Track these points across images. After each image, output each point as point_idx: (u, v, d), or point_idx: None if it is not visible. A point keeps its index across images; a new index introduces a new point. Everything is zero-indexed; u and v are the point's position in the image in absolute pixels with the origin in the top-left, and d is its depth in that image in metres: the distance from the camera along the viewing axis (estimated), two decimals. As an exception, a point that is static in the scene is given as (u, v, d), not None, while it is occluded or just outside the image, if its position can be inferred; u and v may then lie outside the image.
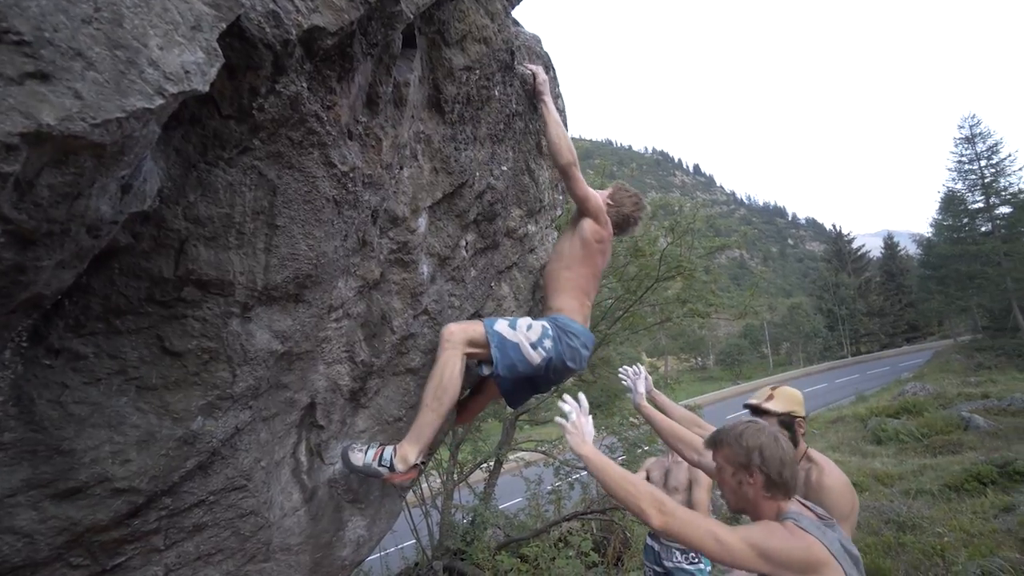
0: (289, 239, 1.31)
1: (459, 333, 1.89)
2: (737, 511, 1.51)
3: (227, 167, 1.15)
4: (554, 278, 2.22)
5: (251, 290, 1.29)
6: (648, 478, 3.52)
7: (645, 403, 2.39)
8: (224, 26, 0.91)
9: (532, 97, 2.22)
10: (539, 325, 2.00)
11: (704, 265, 7.27)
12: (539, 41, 2.37)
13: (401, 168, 1.64)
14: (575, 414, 1.68)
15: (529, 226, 2.49)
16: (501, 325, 1.97)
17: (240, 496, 1.52)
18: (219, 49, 0.90)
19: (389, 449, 1.79)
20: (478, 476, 7.63)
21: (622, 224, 2.39)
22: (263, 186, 1.22)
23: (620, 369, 2.68)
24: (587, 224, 2.18)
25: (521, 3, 2.09)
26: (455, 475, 6.84)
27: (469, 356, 1.93)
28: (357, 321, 1.69)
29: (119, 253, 1.09)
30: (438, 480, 7.12)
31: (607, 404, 8.32)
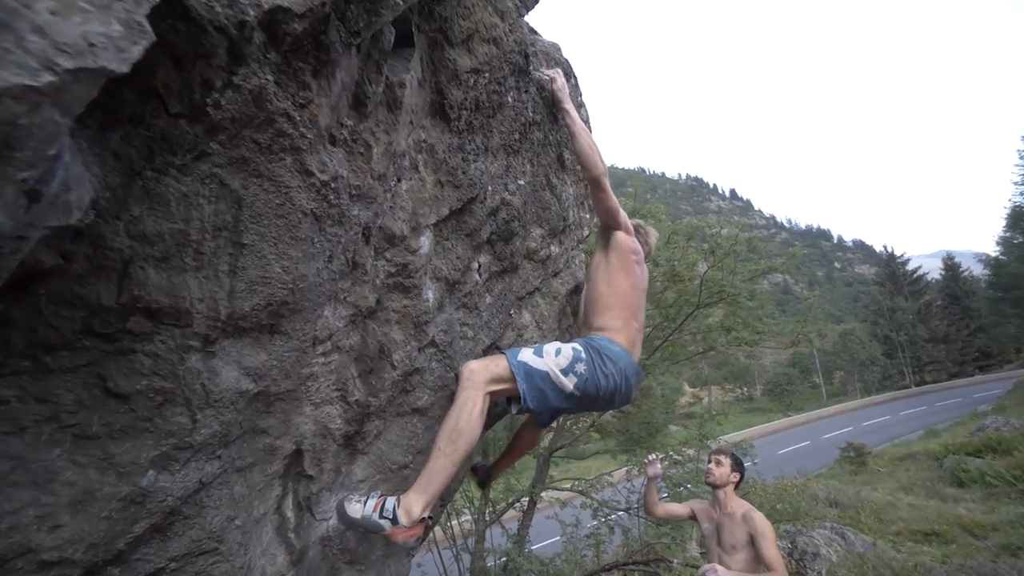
0: (259, 260, 1.12)
1: (480, 371, 1.67)
2: None
3: (180, 175, 0.98)
4: (592, 299, 2.05)
5: (213, 320, 1.10)
6: (694, 518, 3.15)
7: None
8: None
9: (551, 106, 2.02)
10: (569, 348, 1.78)
11: (749, 290, 6.79)
12: (558, 48, 2.19)
13: (399, 180, 1.45)
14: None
15: (552, 247, 2.26)
16: (526, 354, 1.75)
17: (210, 561, 1.30)
18: (146, 25, 0.73)
19: (392, 500, 1.55)
20: (512, 514, 7.22)
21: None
22: (225, 198, 1.04)
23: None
24: (620, 236, 2.03)
25: (537, 5, 1.92)
26: (487, 515, 6.47)
27: (494, 395, 1.70)
28: (350, 355, 1.48)
29: (46, 277, 0.92)
30: (469, 518, 6.77)
31: (647, 439, 7.79)
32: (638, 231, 2.20)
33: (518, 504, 6.72)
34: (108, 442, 1.05)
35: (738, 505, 2.89)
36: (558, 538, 6.52)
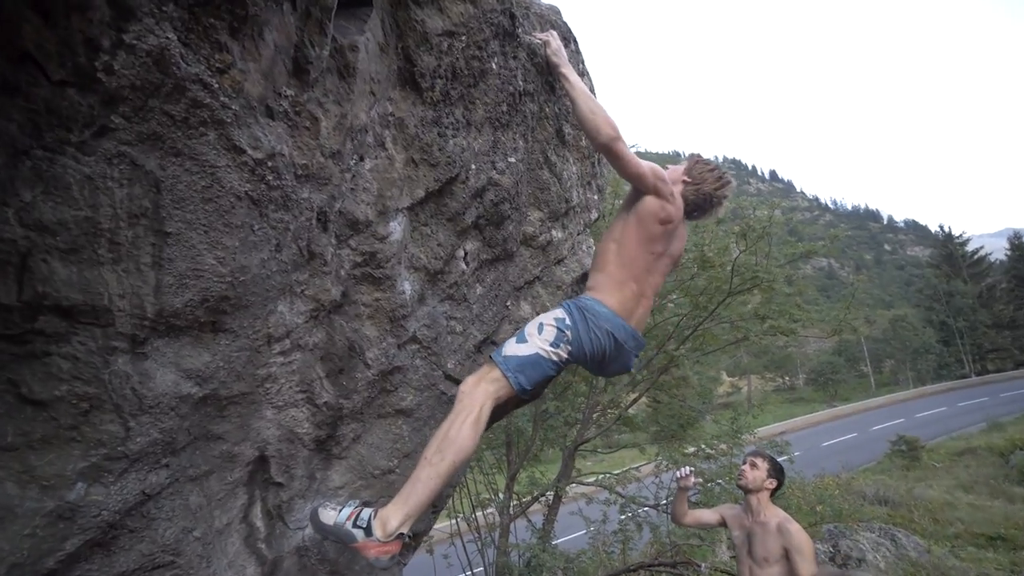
0: (188, 250, 0.99)
1: (474, 386, 1.56)
2: None
3: (80, 154, 0.86)
4: (598, 253, 1.90)
5: (139, 318, 0.98)
6: (724, 524, 2.93)
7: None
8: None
9: (547, 74, 1.83)
10: (551, 320, 1.69)
11: (786, 276, 6.36)
12: (557, 12, 1.99)
13: (360, 159, 1.30)
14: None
15: (554, 232, 2.08)
16: (510, 347, 1.63)
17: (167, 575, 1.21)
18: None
19: (369, 511, 1.42)
20: (537, 507, 7.11)
21: (702, 205, 1.98)
22: (141, 180, 0.92)
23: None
24: (648, 201, 1.80)
25: (526, -39, 1.73)
26: (511, 508, 6.38)
27: (497, 399, 1.58)
28: (314, 354, 1.35)
29: (-69, 274, 0.82)
30: (494, 511, 6.70)
31: (679, 432, 7.51)
32: (693, 175, 1.95)
33: (543, 498, 6.60)
34: (28, 453, 0.95)
35: (773, 513, 2.62)
36: (584, 532, 6.36)
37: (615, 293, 1.76)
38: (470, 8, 1.44)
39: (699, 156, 2.09)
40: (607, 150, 1.76)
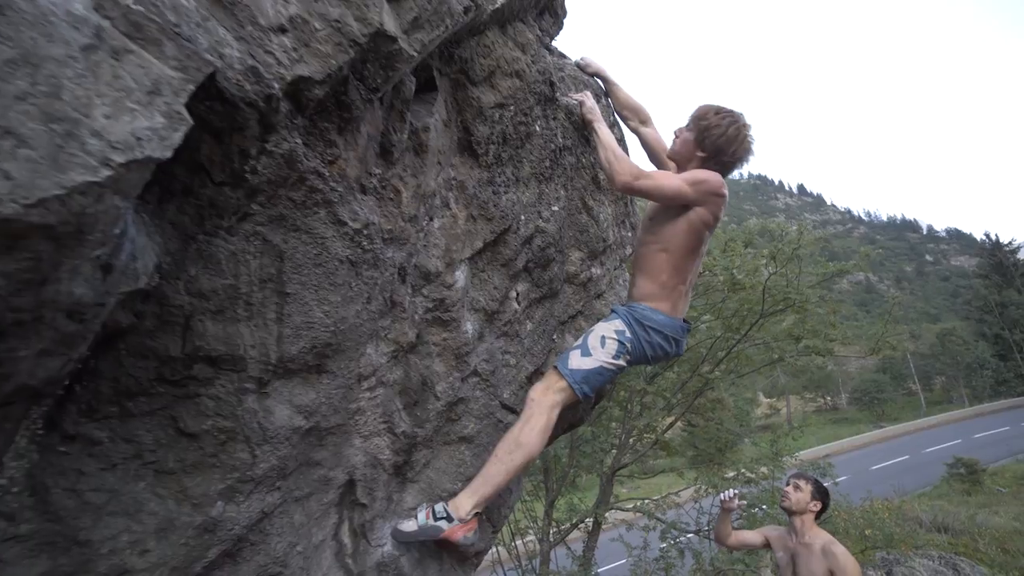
0: (302, 307, 1.21)
1: (541, 394, 1.74)
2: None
3: (228, 236, 1.09)
4: (646, 259, 1.88)
5: (265, 364, 1.20)
6: (768, 545, 2.94)
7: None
8: (192, 88, 0.85)
9: (582, 128, 2.04)
10: (612, 333, 1.80)
11: (818, 295, 6.33)
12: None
13: (431, 219, 1.52)
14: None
15: (593, 269, 2.26)
16: (575, 359, 1.79)
17: (275, 585, 1.39)
18: (184, 112, 0.84)
19: (440, 504, 1.64)
20: (576, 534, 7.08)
21: (725, 167, 1.89)
22: (269, 252, 1.14)
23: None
24: (699, 211, 1.79)
25: (561, 32, 1.96)
26: (551, 535, 6.38)
27: (563, 408, 1.77)
28: (394, 389, 1.55)
29: (124, 333, 1.05)
30: (533, 538, 6.71)
31: (717, 455, 7.40)
32: (716, 152, 1.85)
33: (582, 525, 6.59)
34: (183, 476, 1.17)
35: (817, 535, 2.63)
36: (624, 560, 6.30)
37: (668, 298, 1.84)
38: (517, 82, 1.67)
39: (705, 111, 1.90)
40: (629, 191, 1.92)
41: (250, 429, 1.21)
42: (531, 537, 6.59)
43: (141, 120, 0.77)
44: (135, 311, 1.05)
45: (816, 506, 2.72)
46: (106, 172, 0.73)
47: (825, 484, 2.98)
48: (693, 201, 1.78)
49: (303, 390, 1.30)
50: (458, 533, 1.59)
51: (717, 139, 1.84)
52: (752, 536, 3.05)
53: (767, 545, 2.94)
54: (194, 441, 1.16)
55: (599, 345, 1.79)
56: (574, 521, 6.44)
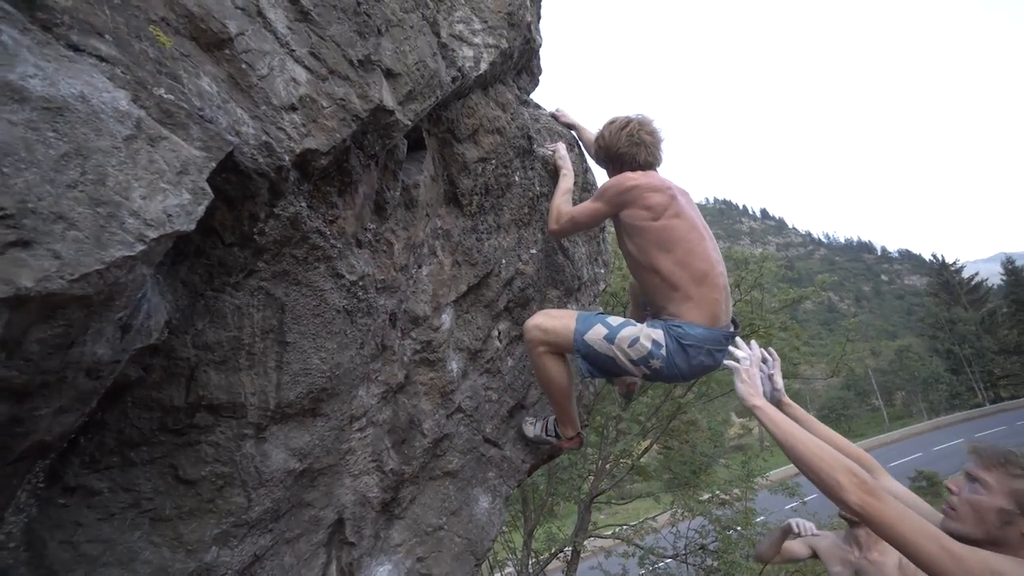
0: (300, 355, 1.28)
1: (534, 331, 1.75)
2: (968, 540, 1.15)
3: (234, 291, 1.16)
4: (643, 284, 1.83)
5: (264, 410, 1.26)
6: (816, 556, 2.52)
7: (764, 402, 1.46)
8: (214, 165, 0.94)
9: (556, 176, 2.19)
10: (648, 342, 1.66)
11: (780, 322, 6.64)
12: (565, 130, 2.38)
13: (419, 267, 1.62)
14: (748, 362, 1.50)
15: (570, 306, 2.38)
16: (596, 334, 1.70)
17: (265, 629, 1.42)
18: (207, 188, 0.93)
19: (552, 423, 2.05)
20: (556, 564, 7.03)
21: (618, 161, 1.90)
22: (271, 305, 1.22)
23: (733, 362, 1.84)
24: (623, 216, 1.77)
25: (536, 88, 2.12)
26: (529, 567, 6.34)
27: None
28: (383, 428, 1.61)
29: (131, 387, 1.10)
30: (512, 570, 6.63)
31: (692, 478, 7.53)
32: (607, 143, 1.89)
33: (561, 554, 6.57)
34: (178, 523, 1.20)
35: (887, 549, 2.15)
36: (605, 587, 6.30)
37: (698, 307, 1.69)
38: (498, 138, 1.81)
39: (612, 120, 1.96)
40: (557, 235, 1.98)
41: (247, 474, 1.26)
42: (510, 569, 6.52)
43: (172, 198, 0.86)
44: (143, 365, 1.10)
45: None
46: (140, 247, 0.82)
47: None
48: (611, 211, 1.81)
49: (298, 433, 1.36)
50: (565, 446, 2.09)
51: (607, 146, 1.91)
52: (797, 547, 2.62)
53: (814, 556, 2.55)
54: (192, 487, 1.21)
55: (627, 344, 1.68)
56: (553, 551, 6.42)
